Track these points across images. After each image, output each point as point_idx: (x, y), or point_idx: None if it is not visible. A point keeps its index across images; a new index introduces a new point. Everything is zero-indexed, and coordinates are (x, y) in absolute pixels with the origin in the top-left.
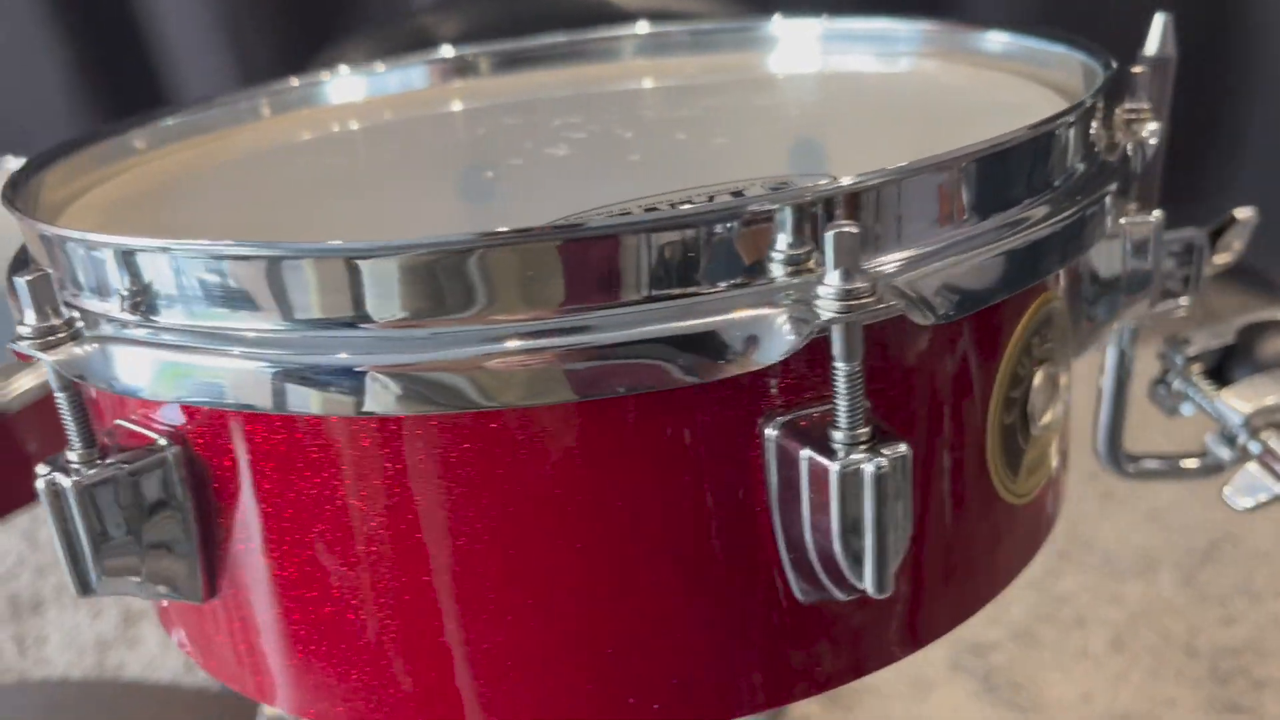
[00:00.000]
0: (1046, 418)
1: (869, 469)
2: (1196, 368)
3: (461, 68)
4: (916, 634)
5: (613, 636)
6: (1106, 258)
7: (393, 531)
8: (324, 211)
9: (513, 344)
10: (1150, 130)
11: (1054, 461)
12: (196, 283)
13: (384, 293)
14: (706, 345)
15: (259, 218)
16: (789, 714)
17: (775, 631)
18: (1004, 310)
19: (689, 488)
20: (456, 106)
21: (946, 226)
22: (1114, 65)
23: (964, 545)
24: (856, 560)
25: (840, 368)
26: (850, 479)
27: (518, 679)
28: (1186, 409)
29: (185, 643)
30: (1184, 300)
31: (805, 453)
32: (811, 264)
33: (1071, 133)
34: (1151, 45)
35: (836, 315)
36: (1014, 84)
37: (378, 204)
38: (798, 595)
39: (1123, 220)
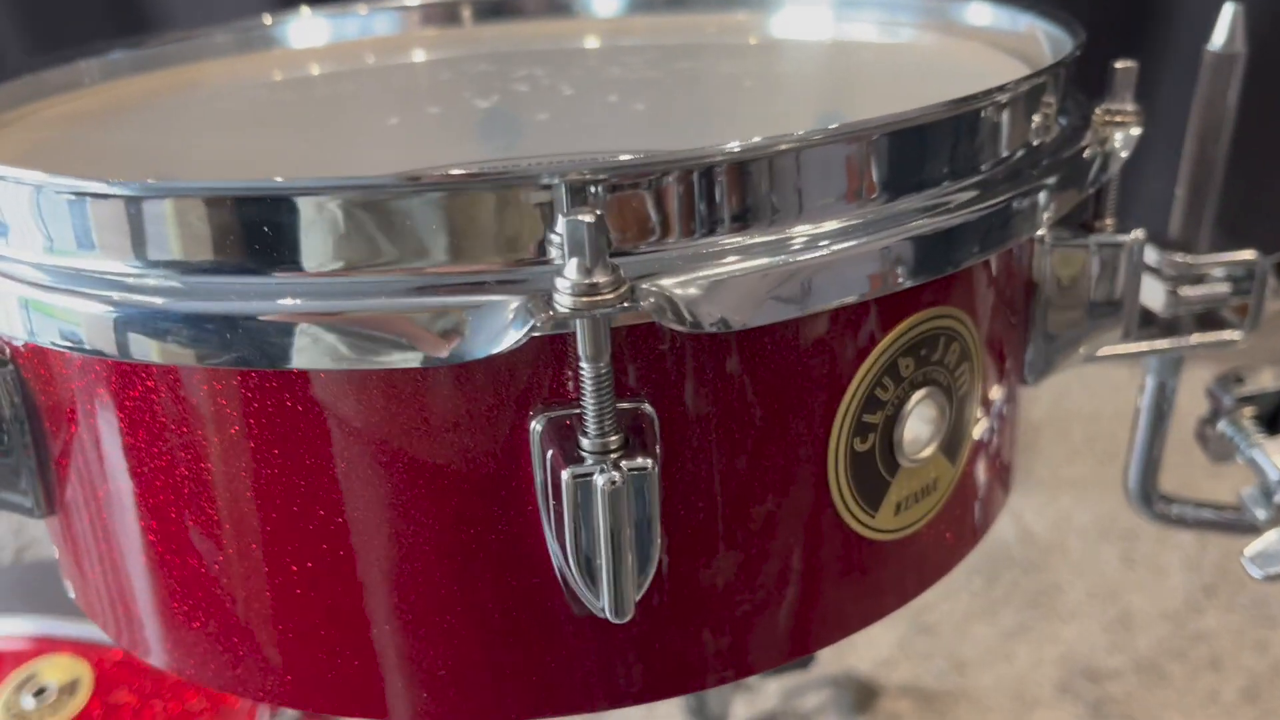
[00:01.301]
0: (927, 450)
1: (600, 481)
2: (1249, 411)
3: (444, 16)
4: (738, 660)
5: (390, 615)
6: (1064, 273)
7: (191, 484)
8: (235, 149)
9: (287, 302)
10: (1121, 139)
11: (947, 497)
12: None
13: (170, 236)
14: (438, 326)
15: (166, 151)
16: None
17: (551, 638)
18: (848, 325)
19: (457, 474)
20: (425, 54)
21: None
22: (1073, 48)
23: (796, 577)
24: (593, 579)
25: (584, 368)
26: (581, 489)
27: (313, 643)
28: (1237, 457)
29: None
30: (1237, 334)
31: (550, 453)
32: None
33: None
34: (1218, 38)
35: (572, 311)
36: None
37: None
38: (570, 605)
39: (1092, 238)
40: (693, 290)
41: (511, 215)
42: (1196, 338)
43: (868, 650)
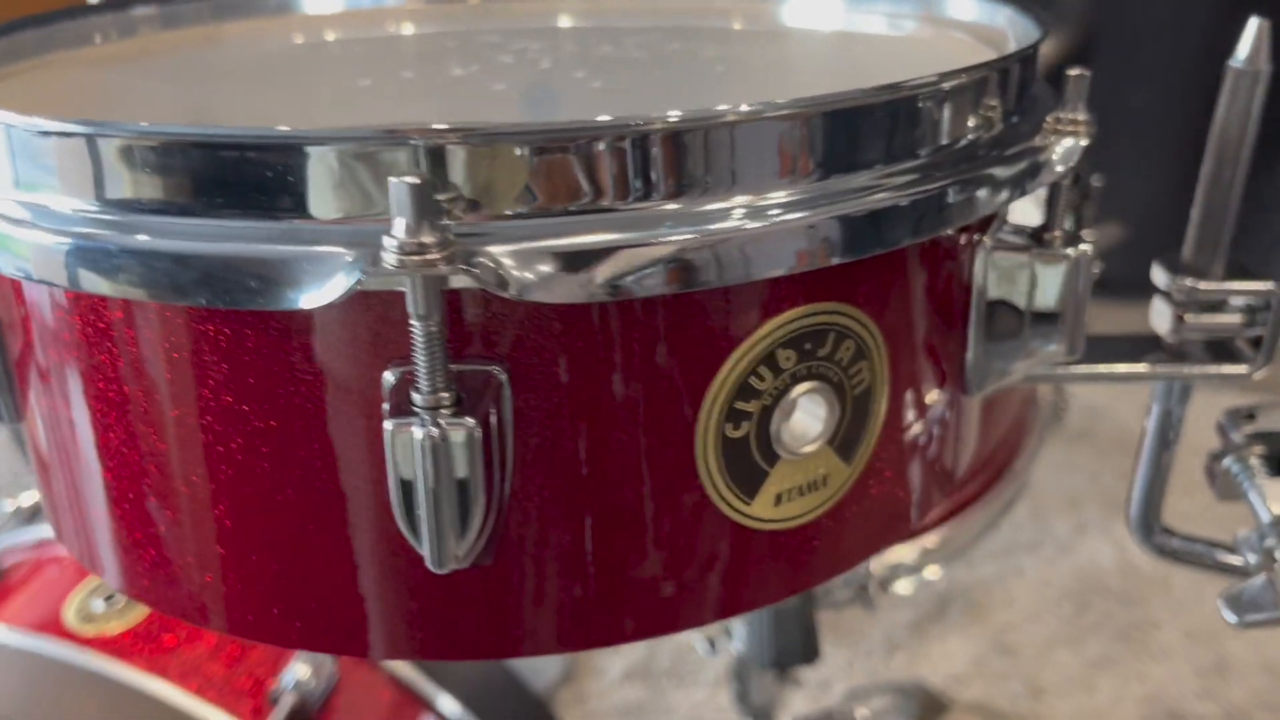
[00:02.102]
0: (812, 445)
1: (418, 434)
2: (1258, 450)
3: None
4: (583, 631)
5: (261, 545)
6: (1001, 281)
7: (118, 408)
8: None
9: (188, 246)
10: (1062, 149)
11: (842, 494)
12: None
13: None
14: (280, 273)
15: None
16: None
17: (404, 583)
18: (718, 312)
19: (325, 415)
20: (431, 26)
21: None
22: (1023, 47)
23: (658, 554)
24: (414, 530)
25: (414, 326)
26: (400, 440)
27: (209, 566)
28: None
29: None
30: (1248, 368)
31: (385, 404)
32: (458, 211)
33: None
34: (1241, 53)
35: (395, 269)
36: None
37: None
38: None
39: (1034, 249)
40: (522, 260)
41: (361, 174)
42: (1203, 368)
43: (942, 662)
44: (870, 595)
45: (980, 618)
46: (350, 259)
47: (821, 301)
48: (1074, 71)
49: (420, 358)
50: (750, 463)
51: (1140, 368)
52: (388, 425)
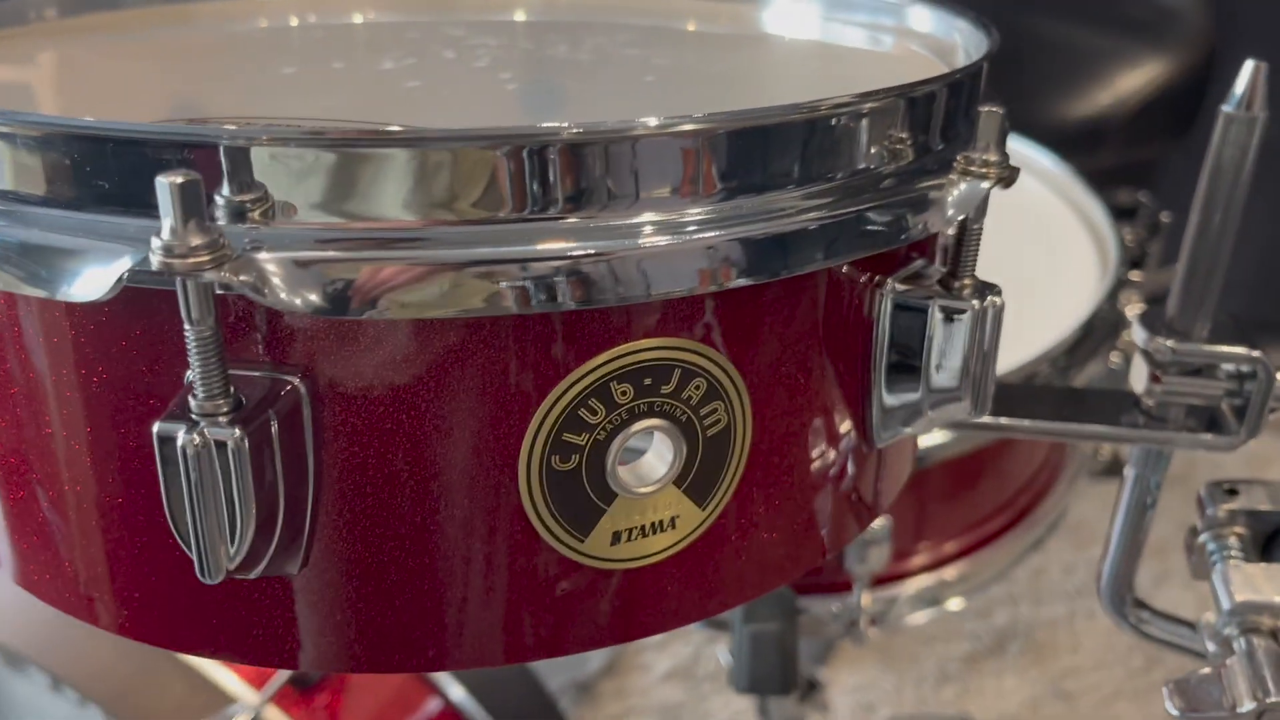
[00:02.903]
0: (653, 486)
1: (181, 439)
2: (1239, 529)
3: None
4: (385, 653)
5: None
6: (898, 330)
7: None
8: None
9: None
10: (958, 193)
11: (694, 539)
12: None
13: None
14: (60, 264)
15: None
16: None
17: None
18: (537, 339)
19: (127, 411)
20: (389, 15)
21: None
22: (948, 73)
23: (472, 584)
24: (184, 537)
25: (186, 329)
26: (165, 445)
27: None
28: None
29: None
30: (1231, 438)
31: (167, 408)
32: (257, 215)
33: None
34: (1235, 96)
35: (157, 269)
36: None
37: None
38: None
39: (936, 299)
40: (287, 268)
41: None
42: (1182, 436)
43: (994, 700)
44: (861, 631)
45: (1041, 659)
46: (128, 257)
47: (663, 336)
48: (986, 109)
49: (194, 361)
50: (582, 498)
51: (1112, 429)
52: (155, 428)
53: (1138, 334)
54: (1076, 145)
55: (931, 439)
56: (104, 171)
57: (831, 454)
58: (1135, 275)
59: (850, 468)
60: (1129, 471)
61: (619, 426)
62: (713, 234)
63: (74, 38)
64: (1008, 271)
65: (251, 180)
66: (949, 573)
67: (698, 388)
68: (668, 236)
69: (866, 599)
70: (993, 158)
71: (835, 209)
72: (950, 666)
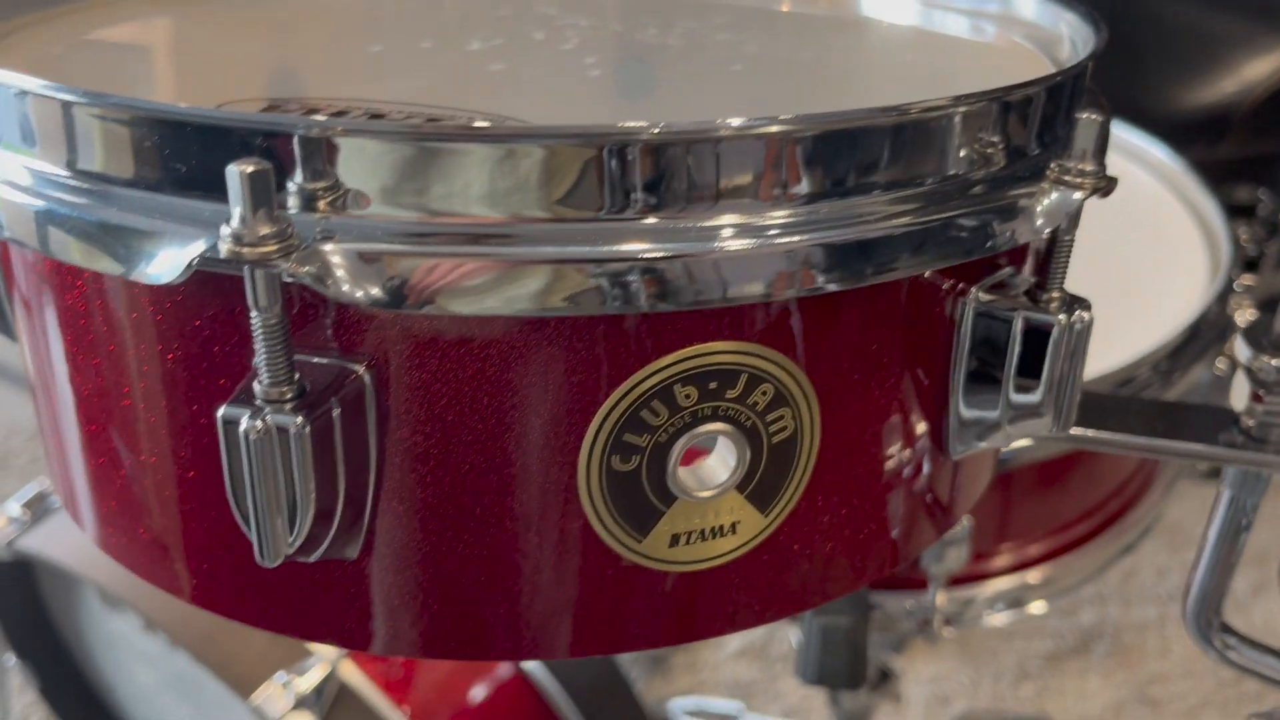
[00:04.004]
0: (714, 490)
1: (244, 424)
2: None
3: None
4: (443, 640)
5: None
6: (982, 342)
7: (80, 370)
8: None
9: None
10: (1049, 202)
11: (756, 545)
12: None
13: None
14: (137, 246)
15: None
16: None
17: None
18: (603, 338)
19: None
20: None
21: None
22: (1047, 76)
23: (530, 577)
24: (244, 518)
25: (253, 316)
26: (228, 429)
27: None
28: None
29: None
30: None
31: (234, 391)
32: (327, 204)
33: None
34: None
35: (226, 257)
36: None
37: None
38: None
39: (1021, 311)
40: (352, 261)
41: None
42: (1277, 458)
43: (1075, 702)
44: (934, 630)
45: (1127, 662)
46: (201, 241)
47: (731, 339)
48: (1086, 114)
49: (259, 347)
50: (641, 499)
51: (1208, 449)
52: (220, 412)
53: (1240, 349)
54: (1197, 135)
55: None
56: (181, 155)
57: (903, 464)
58: (1248, 279)
59: (923, 478)
60: (1224, 492)
61: (681, 429)
62: (793, 239)
63: (170, 7)
64: (1112, 268)
65: (324, 169)
66: (1032, 576)
67: (764, 393)
68: (747, 240)
69: (942, 599)
70: (1089, 167)
71: (921, 215)
72: (1031, 664)
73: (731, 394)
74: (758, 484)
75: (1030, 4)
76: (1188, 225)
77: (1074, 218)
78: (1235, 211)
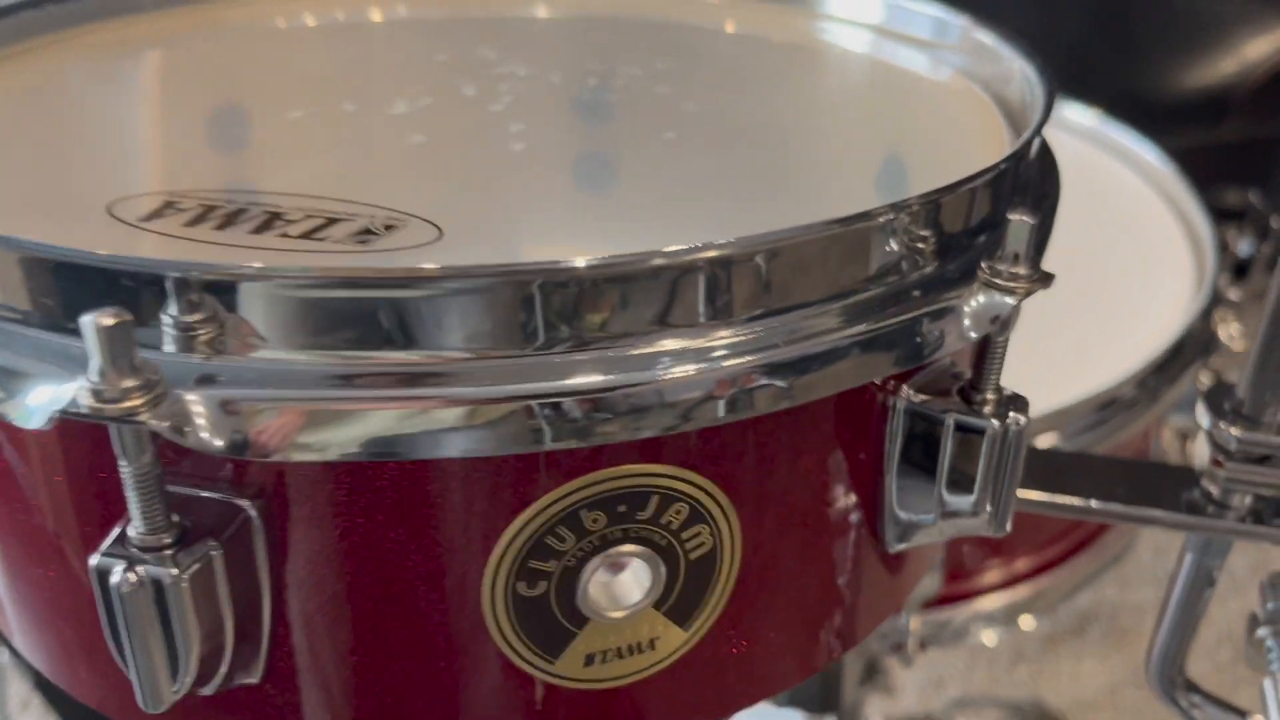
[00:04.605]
0: (627, 611)
1: (116, 577)
2: None
3: None
4: None
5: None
6: (913, 443)
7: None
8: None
9: None
10: (976, 305)
11: (677, 659)
12: None
13: None
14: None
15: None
16: None
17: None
18: (489, 474)
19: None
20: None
21: None
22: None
23: (439, 702)
24: (125, 666)
25: (121, 466)
26: (102, 582)
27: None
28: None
29: None
30: None
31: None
32: (205, 336)
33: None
34: None
35: (88, 409)
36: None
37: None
38: None
39: (951, 415)
40: (211, 409)
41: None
42: (1243, 526)
43: (1070, 684)
44: (909, 654)
45: (1123, 644)
46: (69, 384)
47: (638, 462)
48: (1016, 217)
49: (130, 496)
50: (551, 622)
51: (1171, 515)
52: (92, 563)
53: (1201, 415)
54: (1195, 117)
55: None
56: (45, 291)
57: (837, 564)
58: (1234, 293)
59: (862, 572)
60: (1188, 556)
61: (590, 553)
62: (734, 361)
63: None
64: (1096, 276)
65: (198, 310)
66: (1023, 591)
67: (679, 513)
68: (689, 365)
69: (915, 623)
70: (1022, 270)
71: (852, 325)
72: (1026, 646)
73: (643, 516)
74: (676, 600)
75: (988, 43)
76: (1174, 231)
77: (1008, 320)
78: (1225, 215)
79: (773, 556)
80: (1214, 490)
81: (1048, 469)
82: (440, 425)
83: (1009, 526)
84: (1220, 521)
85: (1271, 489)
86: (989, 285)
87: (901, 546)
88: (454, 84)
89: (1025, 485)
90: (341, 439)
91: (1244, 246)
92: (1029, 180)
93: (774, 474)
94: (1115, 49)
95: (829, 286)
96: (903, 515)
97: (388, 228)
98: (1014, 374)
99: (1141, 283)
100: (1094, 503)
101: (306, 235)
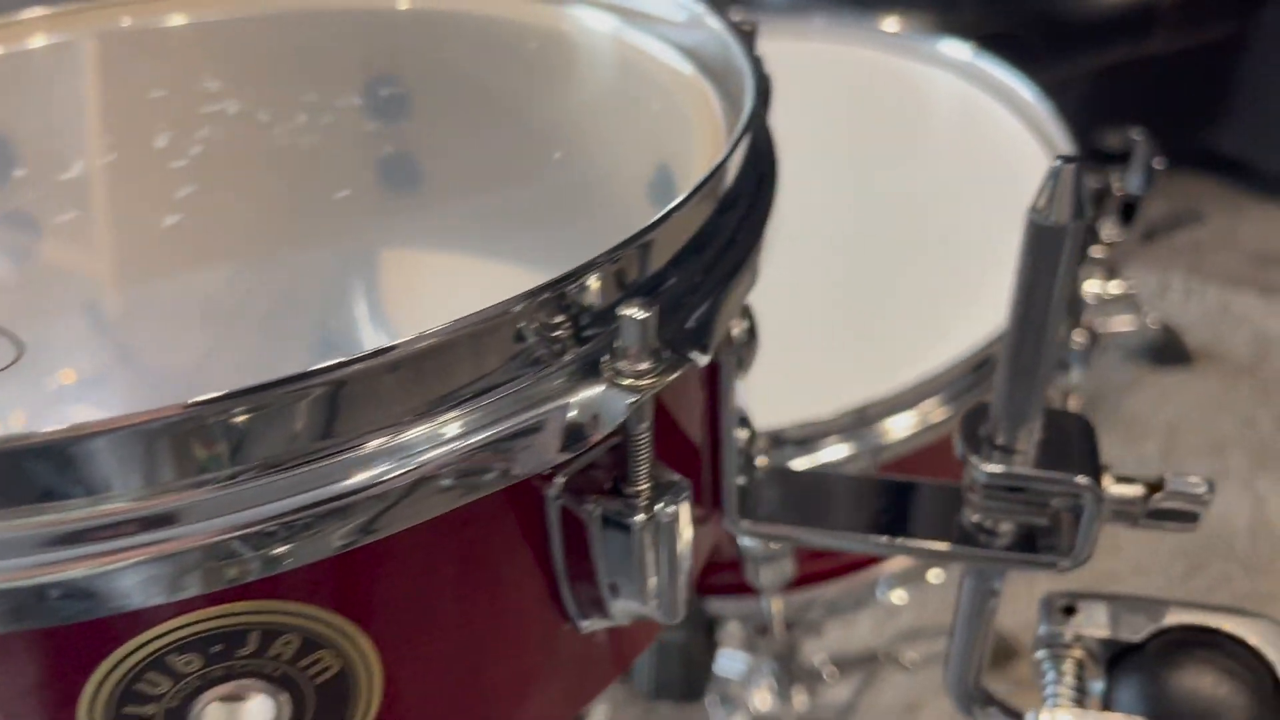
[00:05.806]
0: None
1: None
2: (1077, 652)
3: None
4: None
5: None
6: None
7: None
8: None
9: None
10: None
11: None
12: None
13: None
14: None
15: None
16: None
17: None
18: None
19: None
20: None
21: None
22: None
23: None
24: None
25: None
26: None
27: None
28: None
29: None
30: (1058, 562)
31: None
32: None
33: None
34: (1039, 202)
35: None
36: None
37: None
38: None
39: (597, 505)
40: None
41: None
42: (1009, 555)
43: (1024, 606)
44: (775, 635)
45: None
46: None
47: (223, 603)
48: (627, 312)
49: None
50: None
51: (936, 545)
52: None
53: (957, 444)
54: (1123, 31)
55: (877, 438)
56: None
57: (519, 657)
58: (1097, 250)
59: (557, 653)
60: (967, 581)
61: (194, 693)
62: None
63: None
64: (973, 222)
65: None
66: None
67: (288, 644)
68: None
69: (778, 604)
70: (644, 366)
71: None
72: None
73: (244, 652)
74: None
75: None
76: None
77: (640, 414)
78: (1106, 158)
79: (430, 663)
80: (977, 519)
81: (804, 496)
82: None
83: (681, 613)
84: (986, 551)
85: (1027, 521)
86: (612, 384)
87: (592, 627)
88: (147, 134)
89: (776, 515)
90: None
91: (1133, 185)
92: (737, 195)
93: (405, 587)
94: None
95: (423, 398)
96: (582, 598)
97: None
98: (881, 335)
99: (1015, 232)
100: (855, 535)
101: None
